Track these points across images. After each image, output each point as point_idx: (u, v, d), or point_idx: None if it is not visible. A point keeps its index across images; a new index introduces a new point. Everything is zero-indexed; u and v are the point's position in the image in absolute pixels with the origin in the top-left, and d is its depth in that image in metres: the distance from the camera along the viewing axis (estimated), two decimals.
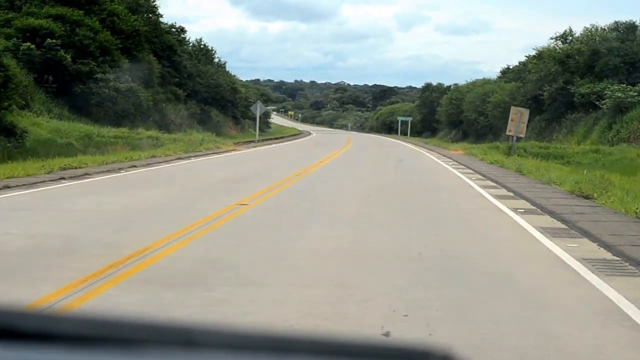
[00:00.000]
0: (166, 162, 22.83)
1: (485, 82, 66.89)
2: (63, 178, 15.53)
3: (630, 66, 43.14)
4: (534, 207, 12.46)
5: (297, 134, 73.14)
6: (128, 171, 18.45)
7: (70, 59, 34.41)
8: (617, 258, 7.67)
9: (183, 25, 57.94)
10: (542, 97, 47.39)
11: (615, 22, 49.50)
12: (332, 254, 7.55)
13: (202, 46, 61.94)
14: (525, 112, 33.31)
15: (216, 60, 63.59)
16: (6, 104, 24.54)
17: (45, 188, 13.63)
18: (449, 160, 29.82)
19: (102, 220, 9.59)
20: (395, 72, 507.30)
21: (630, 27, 47.40)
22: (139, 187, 14.62)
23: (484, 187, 16.65)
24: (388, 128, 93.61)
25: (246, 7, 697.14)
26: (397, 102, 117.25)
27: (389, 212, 11.42)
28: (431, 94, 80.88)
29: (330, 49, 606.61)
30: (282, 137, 61.45)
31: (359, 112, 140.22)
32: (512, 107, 34.66)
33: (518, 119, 32.46)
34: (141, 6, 46.21)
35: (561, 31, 51.37)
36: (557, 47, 50.46)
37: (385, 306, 5.40)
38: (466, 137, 62.08)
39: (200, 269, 6.65)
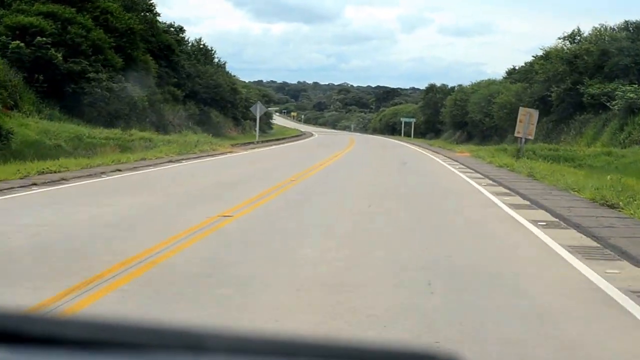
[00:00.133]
0: (155, 165, 21.44)
1: (491, 82, 65.66)
2: (35, 184, 14.17)
3: None
4: (556, 219, 11.05)
5: (299, 135, 71.85)
6: (111, 175, 17.07)
7: (61, 58, 33.22)
8: None
9: (183, 26, 56.52)
10: (549, 98, 46.09)
11: (626, 21, 48.47)
12: (321, 288, 6.09)
13: (201, 46, 60.66)
14: (535, 113, 31.90)
15: (216, 60, 62.32)
16: None
17: (9, 196, 12.25)
18: (455, 163, 28.41)
19: (51, 239, 8.08)
20: (399, 74, 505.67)
21: None
22: (115, 194, 13.22)
23: (496, 194, 15.24)
24: (391, 129, 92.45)
25: (249, 9, 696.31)
26: (401, 103, 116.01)
27: (391, 225, 10.02)
28: (435, 95, 79.72)
29: (333, 50, 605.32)
30: (283, 139, 60.18)
31: (362, 114, 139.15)
32: (521, 108, 33.24)
33: (527, 120, 31.07)
34: (137, 4, 44.88)
35: (568, 31, 50.16)
36: (565, 47, 49.29)
37: None
38: (471, 139, 60.86)
39: (152, 312, 5.26)
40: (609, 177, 19.81)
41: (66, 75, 33.57)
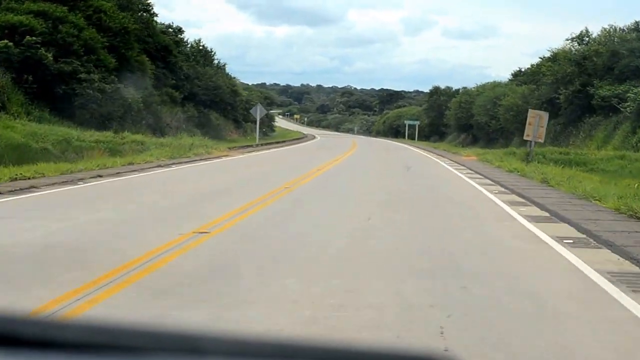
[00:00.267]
0: (142, 170, 20.04)
1: (496, 85, 64.39)
2: (0, 193, 12.79)
3: None
4: (583, 235, 9.61)
5: (301, 138, 70.59)
6: (89, 182, 15.65)
7: (51, 58, 31.98)
8: None
9: (183, 27, 55.09)
10: (557, 100, 44.71)
11: (636, 22, 47.29)
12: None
13: (200, 47, 59.35)
14: (545, 116, 30.43)
15: (216, 62, 61.01)
16: None
17: None
18: (462, 167, 26.98)
19: None
20: (402, 77, 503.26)
21: None
22: (84, 205, 11.78)
23: (510, 203, 13.79)
24: (395, 132, 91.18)
25: (252, 12, 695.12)
26: (404, 105, 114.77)
27: (393, 245, 8.60)
28: (439, 98, 78.51)
29: (336, 53, 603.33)
30: (284, 141, 58.89)
31: (366, 116, 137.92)
32: (530, 110, 31.78)
33: (536, 123, 29.62)
34: (133, 3, 43.56)
35: (576, 33, 48.84)
36: (573, 49, 48.01)
37: None
38: (476, 142, 59.55)
39: None
40: (628, 183, 18.44)
41: (57, 76, 32.32)
